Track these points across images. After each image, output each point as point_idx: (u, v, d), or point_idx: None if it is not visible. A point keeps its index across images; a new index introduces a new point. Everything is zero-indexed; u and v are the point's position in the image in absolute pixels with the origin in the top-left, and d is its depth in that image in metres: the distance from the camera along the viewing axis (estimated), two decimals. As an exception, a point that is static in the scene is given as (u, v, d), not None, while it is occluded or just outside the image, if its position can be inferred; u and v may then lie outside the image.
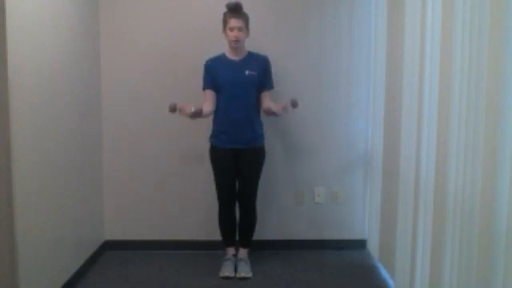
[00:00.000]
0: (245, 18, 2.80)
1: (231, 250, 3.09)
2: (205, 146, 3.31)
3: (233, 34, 2.77)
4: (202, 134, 3.31)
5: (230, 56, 2.88)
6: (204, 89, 2.92)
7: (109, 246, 3.36)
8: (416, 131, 2.31)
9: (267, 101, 2.87)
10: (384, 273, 2.96)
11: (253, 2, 3.21)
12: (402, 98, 2.51)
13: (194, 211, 3.36)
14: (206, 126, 3.31)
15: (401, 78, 2.52)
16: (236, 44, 2.80)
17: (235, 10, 2.77)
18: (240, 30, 2.76)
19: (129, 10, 3.24)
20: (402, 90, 2.51)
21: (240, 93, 2.85)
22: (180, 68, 3.28)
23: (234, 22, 2.75)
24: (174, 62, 3.27)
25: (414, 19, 2.32)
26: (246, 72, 2.83)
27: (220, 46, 3.23)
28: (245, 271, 2.93)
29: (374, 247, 3.17)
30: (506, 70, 1.52)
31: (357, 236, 3.40)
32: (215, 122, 2.93)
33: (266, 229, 3.35)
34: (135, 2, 3.24)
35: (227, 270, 2.93)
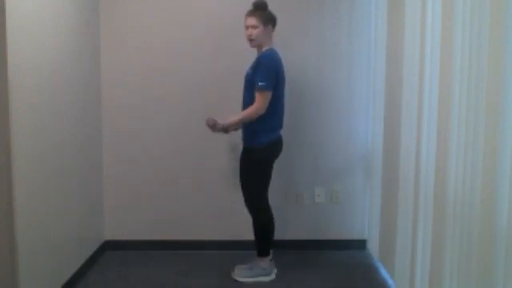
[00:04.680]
0: (261, 16, 2.72)
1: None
2: (205, 145, 3.32)
3: (246, 33, 2.76)
4: (202, 133, 3.31)
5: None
6: None
7: (109, 246, 3.36)
8: (416, 131, 2.31)
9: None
10: (384, 273, 2.95)
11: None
12: (402, 99, 2.51)
13: (194, 211, 3.36)
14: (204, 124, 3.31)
15: (401, 78, 2.52)
16: (251, 43, 2.77)
17: (252, 8, 2.75)
18: (254, 27, 2.72)
19: (129, 10, 3.24)
20: (402, 90, 2.51)
21: (243, 91, 2.84)
22: (180, 68, 3.28)
23: (247, 21, 2.75)
24: (174, 61, 3.27)
25: (414, 19, 2.32)
26: (247, 71, 2.82)
27: (220, 46, 3.24)
28: (238, 274, 2.90)
29: (373, 247, 3.17)
30: (506, 69, 1.52)
31: (357, 236, 3.40)
32: None
33: (266, 229, 3.34)
34: (135, 2, 3.24)
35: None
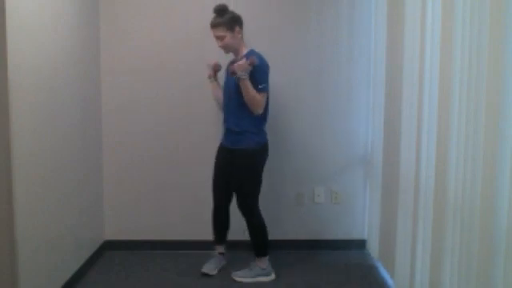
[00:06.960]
0: (224, 23, 2.71)
1: (218, 248, 3.07)
2: (205, 145, 3.32)
3: (217, 44, 2.79)
4: (202, 132, 3.31)
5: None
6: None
7: (109, 246, 3.36)
8: (416, 131, 2.31)
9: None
10: (384, 273, 2.96)
11: (252, 2, 3.22)
12: (401, 99, 2.51)
13: (194, 211, 3.36)
14: (206, 124, 3.31)
15: (401, 78, 2.52)
16: (225, 51, 2.82)
17: (214, 17, 2.74)
18: (221, 38, 2.74)
19: (129, 10, 3.24)
20: (401, 90, 2.50)
21: (227, 94, 2.86)
22: (180, 67, 3.28)
23: (213, 32, 2.76)
24: (174, 61, 3.27)
25: (414, 19, 2.32)
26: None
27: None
28: (238, 274, 2.91)
29: (373, 247, 3.17)
30: (506, 69, 1.52)
31: (357, 236, 3.40)
32: None
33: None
34: (135, 2, 3.24)
35: (207, 267, 2.96)
